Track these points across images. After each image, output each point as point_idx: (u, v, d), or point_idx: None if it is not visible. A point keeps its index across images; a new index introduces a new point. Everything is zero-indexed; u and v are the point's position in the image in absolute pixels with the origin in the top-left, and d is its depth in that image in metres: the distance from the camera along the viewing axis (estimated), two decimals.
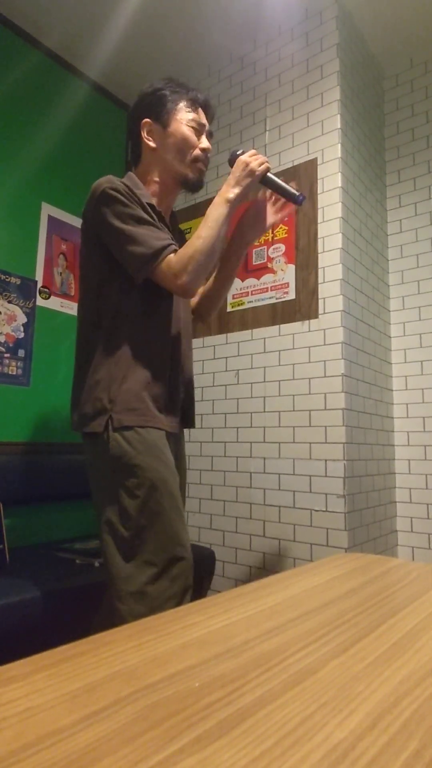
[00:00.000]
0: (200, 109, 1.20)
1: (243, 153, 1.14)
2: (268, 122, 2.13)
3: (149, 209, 1.10)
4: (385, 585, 0.67)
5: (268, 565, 1.84)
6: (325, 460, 1.74)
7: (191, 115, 1.18)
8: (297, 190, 1.15)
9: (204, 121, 1.21)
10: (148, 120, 1.18)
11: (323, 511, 1.72)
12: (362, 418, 1.85)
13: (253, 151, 1.14)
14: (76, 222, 2.28)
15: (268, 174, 1.14)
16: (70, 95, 2.37)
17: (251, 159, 1.12)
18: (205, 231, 1.05)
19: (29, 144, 2.16)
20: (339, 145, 1.87)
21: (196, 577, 1.89)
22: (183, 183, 1.20)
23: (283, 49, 2.11)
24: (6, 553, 1.55)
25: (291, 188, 1.14)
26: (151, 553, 0.99)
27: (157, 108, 1.18)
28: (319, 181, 1.91)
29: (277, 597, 0.59)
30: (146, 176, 1.20)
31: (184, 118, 1.17)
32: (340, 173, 1.86)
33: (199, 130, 1.19)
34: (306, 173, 1.95)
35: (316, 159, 1.93)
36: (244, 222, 1.26)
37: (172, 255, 1.04)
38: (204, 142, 1.20)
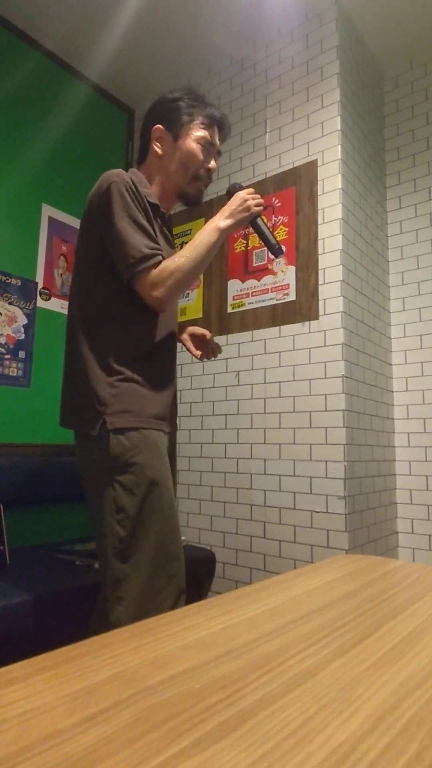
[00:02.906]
0: (215, 128, 1.20)
1: (242, 188, 1.16)
2: (268, 124, 2.13)
3: (151, 210, 1.10)
4: (385, 587, 0.66)
5: (269, 567, 1.83)
6: (326, 462, 1.74)
7: (203, 133, 1.18)
8: (278, 242, 1.18)
9: (215, 140, 1.21)
10: (160, 126, 1.18)
11: (324, 512, 1.72)
12: (363, 419, 1.85)
13: (251, 190, 1.16)
14: (77, 223, 2.28)
15: (260, 217, 1.17)
16: (70, 97, 2.37)
17: (249, 197, 1.14)
18: (191, 252, 1.06)
19: (30, 145, 2.16)
20: (339, 146, 1.88)
21: (197, 578, 1.90)
22: (180, 197, 1.22)
23: (283, 50, 2.12)
24: (6, 554, 1.55)
25: (273, 238, 1.17)
26: (148, 552, 0.99)
27: (171, 117, 1.18)
28: (319, 182, 1.91)
29: (277, 598, 0.59)
30: (148, 179, 1.20)
31: (195, 134, 1.17)
32: (340, 174, 1.86)
33: (207, 148, 1.19)
34: (306, 174, 1.95)
35: (316, 160, 1.93)
36: (194, 332, 1.35)
37: (155, 266, 1.05)
38: (211, 162, 1.20)
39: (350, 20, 2.07)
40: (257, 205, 1.14)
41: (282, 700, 0.35)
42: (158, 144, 1.19)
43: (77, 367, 1.08)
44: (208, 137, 1.19)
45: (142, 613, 0.95)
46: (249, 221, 1.15)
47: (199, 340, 1.37)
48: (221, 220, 1.11)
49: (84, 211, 1.12)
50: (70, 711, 0.33)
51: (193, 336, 1.37)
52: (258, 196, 1.16)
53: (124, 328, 1.08)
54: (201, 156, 1.18)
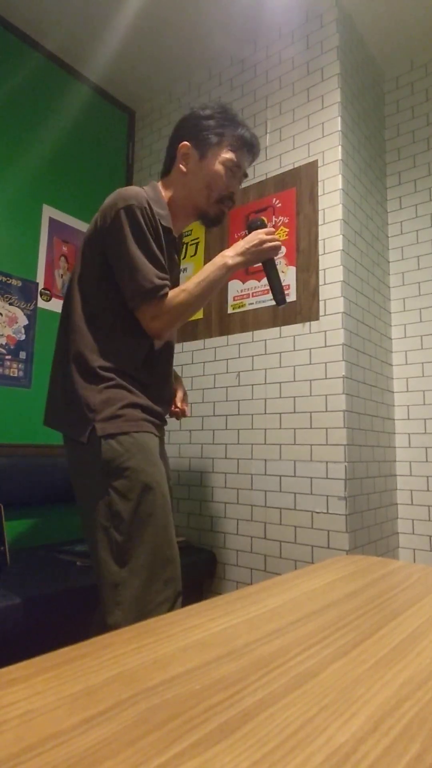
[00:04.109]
0: (244, 150, 1.18)
1: (263, 226, 1.14)
2: (268, 125, 2.13)
3: (163, 234, 1.08)
4: (386, 587, 0.66)
5: (269, 568, 1.83)
6: (326, 462, 1.74)
7: (230, 155, 1.15)
8: (283, 293, 1.16)
9: (242, 163, 1.18)
10: (187, 144, 1.16)
11: (324, 513, 1.72)
12: (363, 420, 1.85)
13: (272, 230, 1.14)
14: (77, 224, 2.29)
15: (272, 261, 1.15)
16: (71, 98, 2.37)
17: (268, 238, 1.12)
18: (195, 288, 1.05)
19: (30, 146, 2.17)
20: (339, 147, 1.88)
21: (197, 579, 1.90)
22: (201, 217, 1.20)
23: (283, 51, 2.12)
24: (6, 554, 1.55)
25: (280, 286, 1.15)
26: (144, 556, 0.99)
27: (200, 136, 1.15)
28: (319, 183, 1.91)
29: (278, 599, 0.59)
30: (169, 194, 1.19)
31: (223, 155, 1.15)
32: (340, 175, 1.86)
33: (233, 171, 1.17)
34: (307, 175, 1.96)
35: (316, 161, 1.93)
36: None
37: (162, 299, 1.04)
38: (234, 186, 1.19)
39: (351, 21, 2.07)
40: (273, 248, 1.12)
41: (282, 701, 0.35)
42: (183, 161, 1.17)
43: (67, 371, 1.07)
44: (235, 160, 1.16)
45: (140, 617, 0.95)
46: (261, 262, 1.14)
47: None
48: (231, 257, 1.09)
49: (94, 220, 1.10)
50: (71, 712, 0.33)
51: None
52: (276, 238, 1.13)
53: (120, 339, 1.07)
54: (225, 179, 1.16)
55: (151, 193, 1.11)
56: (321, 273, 1.85)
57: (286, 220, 1.98)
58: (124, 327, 1.08)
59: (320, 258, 1.86)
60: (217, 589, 1.95)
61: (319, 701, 0.35)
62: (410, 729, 0.32)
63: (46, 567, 1.56)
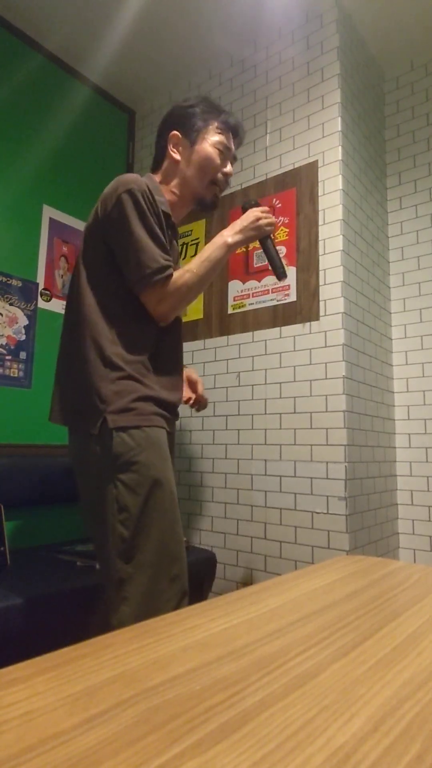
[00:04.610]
0: (230, 133, 1.22)
1: (257, 205, 1.17)
2: (269, 125, 2.13)
3: (164, 219, 1.09)
4: (386, 588, 0.66)
5: (270, 568, 1.83)
6: (326, 463, 1.74)
7: (219, 138, 1.19)
8: (283, 266, 1.19)
9: (231, 145, 1.22)
10: (176, 133, 1.19)
11: (324, 513, 1.72)
12: (363, 420, 1.85)
13: (265, 208, 1.17)
14: (78, 224, 2.29)
15: (269, 238, 1.17)
16: (71, 98, 2.38)
17: (263, 216, 1.15)
18: (198, 267, 1.07)
19: (31, 147, 2.17)
20: (340, 147, 1.88)
21: (197, 579, 1.90)
22: (198, 202, 1.22)
23: (283, 52, 2.12)
24: (7, 555, 1.55)
25: (279, 261, 1.18)
26: (151, 553, 0.98)
27: (187, 123, 1.19)
28: (319, 183, 1.91)
29: (278, 600, 0.59)
30: (164, 185, 1.20)
31: (212, 138, 1.18)
32: (341, 175, 1.86)
33: (224, 153, 1.20)
34: (307, 175, 1.96)
35: (316, 161, 1.93)
36: (190, 376, 1.40)
37: (166, 279, 1.04)
38: (227, 167, 1.21)
39: (351, 21, 2.08)
40: (269, 224, 1.15)
41: (283, 702, 0.35)
42: (175, 150, 1.19)
43: (77, 364, 1.06)
44: (225, 142, 1.20)
45: (145, 614, 0.94)
46: (258, 240, 1.16)
47: (192, 385, 1.40)
48: (230, 236, 1.12)
49: (94, 209, 1.11)
50: (71, 712, 0.33)
51: (188, 379, 1.40)
52: (271, 215, 1.16)
53: (129, 326, 1.07)
54: (218, 160, 1.19)
55: (150, 182, 1.12)
56: (321, 273, 1.85)
57: (287, 221, 1.98)
58: (134, 313, 1.07)
59: (320, 258, 1.86)
60: (217, 589, 1.95)
61: (319, 702, 0.35)
62: (410, 729, 0.32)
63: (46, 567, 1.56)
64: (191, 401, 1.39)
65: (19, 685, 0.36)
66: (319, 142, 1.94)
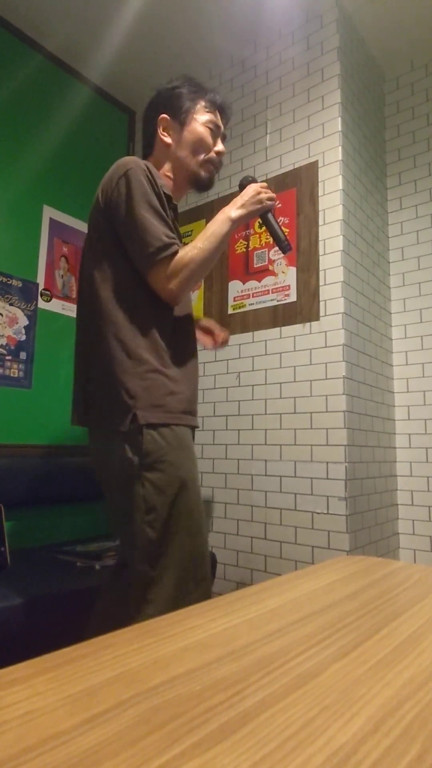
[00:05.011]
0: (217, 112, 1.20)
1: (254, 180, 1.16)
2: (269, 125, 2.13)
3: (165, 201, 1.07)
4: (386, 588, 0.66)
5: (270, 568, 1.83)
6: (327, 463, 1.74)
7: (209, 116, 1.18)
8: (287, 238, 1.18)
9: (220, 123, 1.21)
10: (165, 116, 1.18)
11: (324, 513, 1.72)
12: (363, 420, 1.85)
13: (264, 183, 1.16)
14: (78, 225, 2.29)
15: (270, 212, 1.16)
16: (71, 98, 2.38)
17: (262, 190, 1.13)
18: (204, 243, 1.04)
19: (31, 147, 2.17)
20: (340, 147, 1.88)
21: None
22: (194, 182, 1.20)
23: (283, 52, 2.12)
24: (7, 555, 1.55)
25: (283, 234, 1.17)
26: (178, 556, 0.96)
27: (175, 105, 1.17)
28: (320, 183, 1.91)
29: (278, 600, 0.59)
30: (158, 170, 1.18)
31: (201, 118, 1.17)
32: (341, 176, 1.86)
33: (215, 131, 1.19)
34: (307, 176, 1.96)
35: (317, 161, 1.93)
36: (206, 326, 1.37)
37: (172, 256, 1.02)
38: (219, 145, 1.20)
39: (351, 22, 2.08)
40: (269, 198, 1.13)
41: (283, 702, 0.35)
42: (165, 133, 1.18)
43: (100, 360, 1.03)
44: (214, 120, 1.19)
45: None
46: (260, 214, 1.15)
47: (208, 332, 1.38)
48: (233, 210, 1.09)
49: (95, 197, 1.09)
50: (71, 712, 0.33)
51: (203, 328, 1.38)
52: (270, 190, 1.15)
53: (147, 315, 1.04)
54: (210, 139, 1.18)
55: (149, 165, 1.11)
56: (321, 273, 1.85)
57: (287, 221, 1.98)
58: (149, 300, 1.05)
59: (320, 258, 1.86)
60: (218, 589, 1.95)
61: (319, 702, 0.35)
62: (411, 730, 0.32)
63: (47, 567, 1.56)
64: (216, 344, 1.37)
65: (19, 685, 0.36)
66: (319, 142, 1.94)
